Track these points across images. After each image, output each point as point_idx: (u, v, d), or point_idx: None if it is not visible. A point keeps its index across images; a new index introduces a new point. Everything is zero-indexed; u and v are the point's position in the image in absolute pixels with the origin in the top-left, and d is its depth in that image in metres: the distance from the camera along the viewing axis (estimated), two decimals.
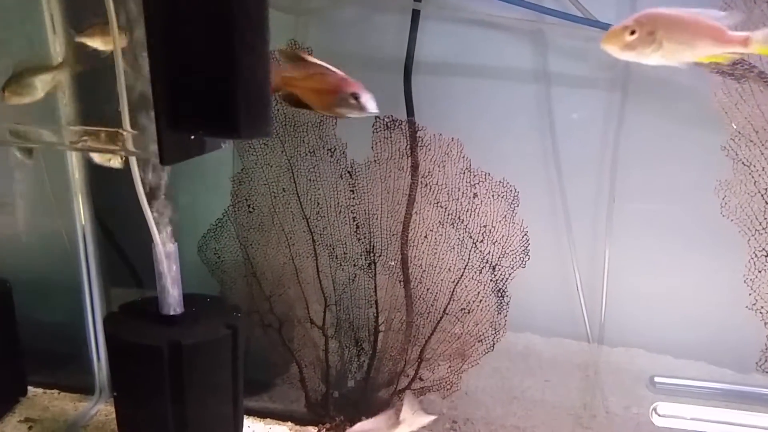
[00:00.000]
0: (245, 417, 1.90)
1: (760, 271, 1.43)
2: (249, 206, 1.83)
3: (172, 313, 1.57)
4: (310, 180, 1.78)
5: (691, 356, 1.82)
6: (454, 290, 1.71)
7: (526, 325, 2.06)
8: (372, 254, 1.76)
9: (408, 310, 1.78)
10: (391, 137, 1.68)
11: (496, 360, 2.05)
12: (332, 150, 1.75)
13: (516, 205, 1.62)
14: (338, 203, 1.77)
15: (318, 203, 1.78)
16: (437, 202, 1.68)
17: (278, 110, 1.78)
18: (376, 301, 1.77)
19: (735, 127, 1.39)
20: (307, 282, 1.82)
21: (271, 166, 1.79)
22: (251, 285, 1.86)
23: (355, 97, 1.23)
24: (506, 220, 1.64)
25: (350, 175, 1.74)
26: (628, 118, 1.82)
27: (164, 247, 1.53)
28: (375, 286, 1.77)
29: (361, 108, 1.23)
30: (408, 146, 1.67)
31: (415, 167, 1.69)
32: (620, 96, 1.74)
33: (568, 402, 1.93)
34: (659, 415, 1.56)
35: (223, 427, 1.65)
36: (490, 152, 1.84)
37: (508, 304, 1.68)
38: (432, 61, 1.76)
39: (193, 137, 1.14)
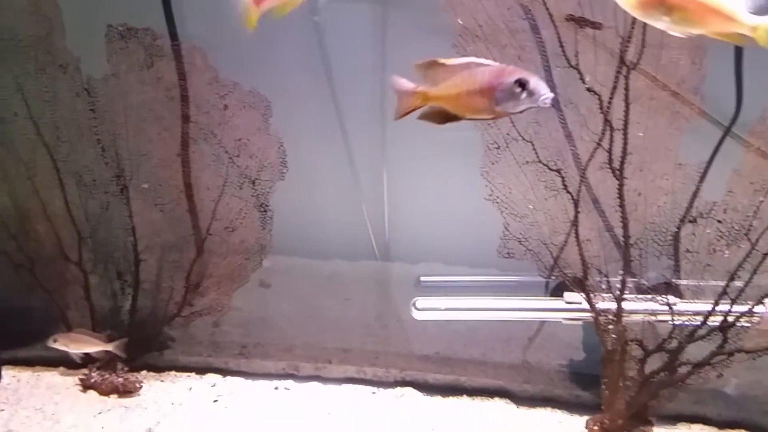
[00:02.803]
0: (11, 368, 1.82)
1: (493, 163, 1.57)
2: None
3: None
4: (44, 101, 1.68)
5: (478, 261, 1.99)
6: (215, 209, 1.71)
7: (334, 252, 2.15)
8: (123, 178, 1.71)
9: (196, 238, 1.77)
10: (127, 48, 1.62)
11: (299, 287, 2.13)
12: (64, 66, 1.65)
13: (269, 115, 1.64)
14: (79, 125, 1.68)
15: (57, 127, 1.69)
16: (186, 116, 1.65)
17: None
18: (133, 228, 1.74)
19: (461, 22, 1.47)
20: (57, 215, 1.74)
21: None
22: None
23: (521, 84, 1.07)
24: (261, 132, 1.65)
25: (88, 92, 1.66)
26: (390, 34, 1.89)
27: None
28: (130, 213, 1.73)
29: (532, 94, 1.08)
30: (147, 56, 1.62)
31: (183, 90, 1.65)
32: (382, 9, 1.81)
33: (363, 317, 2.05)
34: (417, 309, 1.69)
35: None
36: (262, 66, 1.85)
37: (271, 218, 1.71)
38: None
39: None
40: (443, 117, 1.18)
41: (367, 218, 2.02)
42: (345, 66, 1.91)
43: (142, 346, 1.76)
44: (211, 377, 1.84)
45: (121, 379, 1.72)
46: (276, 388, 1.81)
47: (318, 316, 2.06)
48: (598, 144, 1.49)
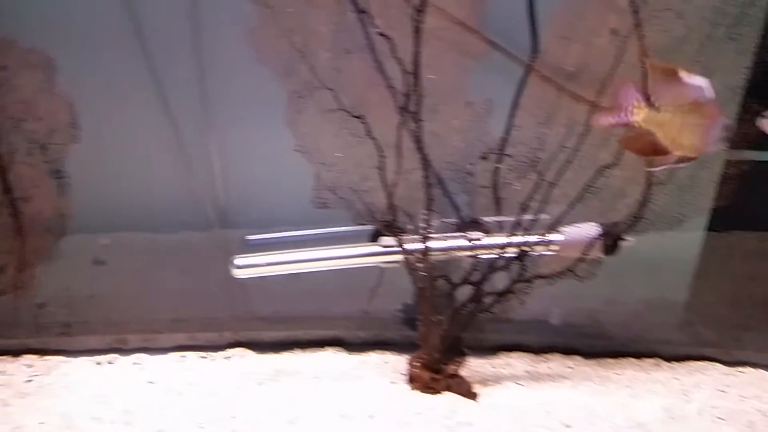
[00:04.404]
0: None
1: (297, 113, 1.60)
2: None
3: None
4: None
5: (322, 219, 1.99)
6: (4, 179, 1.65)
7: (176, 225, 2.10)
8: None
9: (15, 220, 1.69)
10: None
11: (138, 261, 2.08)
12: None
13: (54, 74, 1.58)
14: None
15: None
16: None
17: None
18: None
19: None
20: None
21: None
22: None
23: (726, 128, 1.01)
24: (47, 93, 1.60)
25: None
26: None
27: None
28: None
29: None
30: None
31: None
32: None
33: (202, 285, 2.04)
34: (238, 267, 1.72)
35: None
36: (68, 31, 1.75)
37: (67, 185, 1.67)
38: None
39: None
40: (650, 148, 1.05)
41: (200, 187, 2.00)
42: (156, 30, 1.85)
43: None
44: (28, 358, 1.81)
45: None
46: (98, 363, 1.80)
47: (155, 289, 2.05)
48: (409, 94, 1.53)
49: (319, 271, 1.77)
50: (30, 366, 1.78)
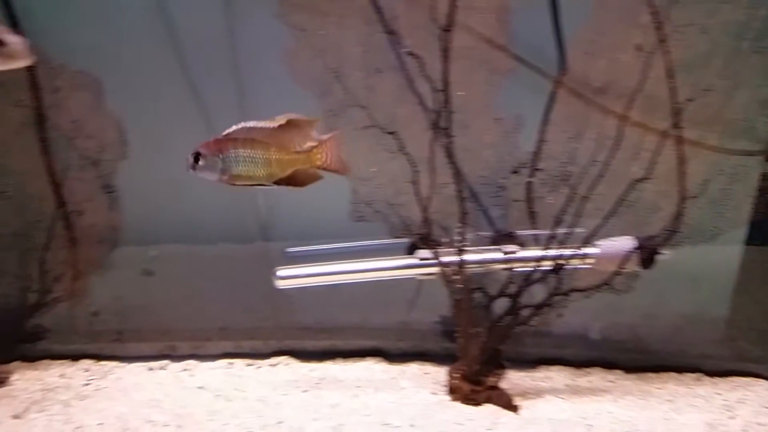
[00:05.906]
0: None
1: (333, 130, 1.69)
2: None
3: None
4: None
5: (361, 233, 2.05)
6: (58, 194, 1.80)
7: (219, 237, 2.22)
8: None
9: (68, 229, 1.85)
10: None
11: (185, 272, 2.19)
12: None
13: (102, 94, 1.73)
14: None
15: None
16: (18, 102, 1.73)
17: None
18: None
19: None
20: None
21: None
22: None
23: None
24: (96, 112, 1.74)
25: None
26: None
27: None
28: None
29: None
30: None
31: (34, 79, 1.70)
32: None
33: (247, 295, 2.15)
34: (280, 278, 1.83)
35: None
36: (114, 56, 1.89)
37: (118, 199, 1.81)
38: None
39: None
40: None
41: (243, 202, 2.10)
42: (197, 52, 1.95)
43: (6, 337, 1.85)
44: (85, 363, 1.95)
45: None
46: (150, 369, 1.93)
47: (201, 299, 2.17)
48: (440, 111, 1.59)
49: (359, 282, 1.84)
50: (87, 370, 1.92)
